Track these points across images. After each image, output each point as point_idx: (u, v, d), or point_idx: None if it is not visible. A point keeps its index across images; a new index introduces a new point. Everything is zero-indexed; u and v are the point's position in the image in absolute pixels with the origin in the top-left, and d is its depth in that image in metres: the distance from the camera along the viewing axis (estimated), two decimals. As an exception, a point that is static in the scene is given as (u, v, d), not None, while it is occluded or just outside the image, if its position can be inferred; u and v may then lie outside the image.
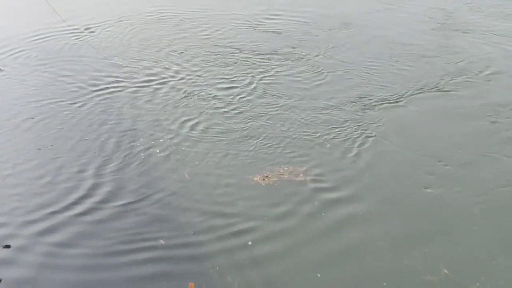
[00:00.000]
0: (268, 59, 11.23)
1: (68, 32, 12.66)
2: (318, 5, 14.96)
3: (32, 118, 8.80)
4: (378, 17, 14.34)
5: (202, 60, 11.22)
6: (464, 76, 10.88)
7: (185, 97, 9.69)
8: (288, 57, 11.42)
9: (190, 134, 8.72)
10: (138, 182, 7.66)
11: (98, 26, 13.18)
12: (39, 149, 8.16)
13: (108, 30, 12.93)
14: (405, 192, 7.59)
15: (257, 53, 11.49)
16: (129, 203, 7.29)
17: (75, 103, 9.44)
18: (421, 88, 10.24)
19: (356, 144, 8.56)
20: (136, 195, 7.42)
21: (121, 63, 11.07)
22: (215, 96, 9.78)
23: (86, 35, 12.59)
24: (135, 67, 10.79)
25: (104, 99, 9.66)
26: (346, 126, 8.97)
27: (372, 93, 10.07)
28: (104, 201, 7.29)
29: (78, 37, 12.44)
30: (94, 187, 7.51)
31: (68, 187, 7.48)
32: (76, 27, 13.00)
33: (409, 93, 10.07)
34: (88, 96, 9.67)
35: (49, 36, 12.44)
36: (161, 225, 6.83)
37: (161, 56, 11.46)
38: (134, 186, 7.57)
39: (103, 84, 10.21)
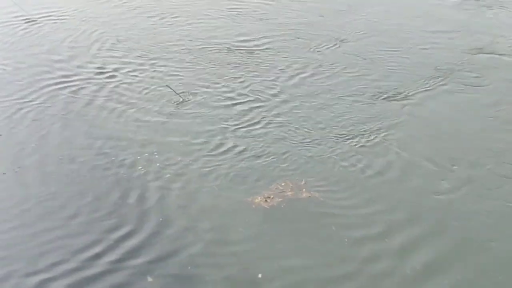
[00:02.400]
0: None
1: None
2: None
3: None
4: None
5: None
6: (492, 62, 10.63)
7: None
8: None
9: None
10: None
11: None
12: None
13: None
14: (415, 199, 7.16)
15: (249, 48, 11.18)
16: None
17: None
18: (437, 79, 9.93)
19: (360, 148, 8.15)
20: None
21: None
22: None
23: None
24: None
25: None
26: (348, 128, 8.56)
27: (379, 87, 9.76)
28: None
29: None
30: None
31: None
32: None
33: (422, 87, 9.75)
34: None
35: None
36: (151, 255, 6.29)
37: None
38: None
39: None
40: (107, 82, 9.78)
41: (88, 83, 9.76)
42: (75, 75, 10.05)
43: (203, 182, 7.33)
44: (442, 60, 10.77)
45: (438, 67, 10.49)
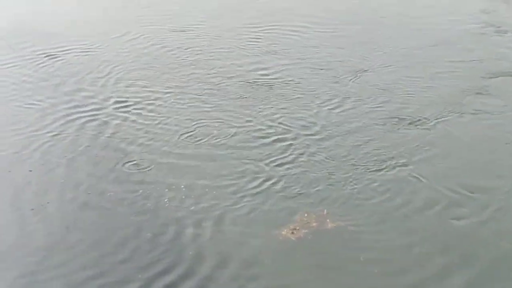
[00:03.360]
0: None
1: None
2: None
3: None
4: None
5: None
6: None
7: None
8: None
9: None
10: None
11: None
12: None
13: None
14: (441, 229, 7.15)
15: (271, 81, 11.07)
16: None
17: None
18: (457, 106, 9.95)
19: (382, 178, 8.16)
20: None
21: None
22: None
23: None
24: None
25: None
26: (371, 157, 8.58)
27: (401, 116, 9.75)
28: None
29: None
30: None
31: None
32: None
33: (442, 114, 9.73)
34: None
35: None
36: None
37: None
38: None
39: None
40: (131, 117, 9.82)
41: (114, 117, 9.81)
42: (99, 109, 10.10)
43: (231, 217, 7.35)
44: (462, 87, 10.76)
45: (459, 94, 10.49)
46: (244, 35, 13.25)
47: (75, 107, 10.14)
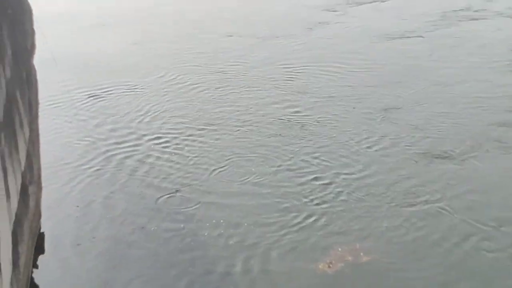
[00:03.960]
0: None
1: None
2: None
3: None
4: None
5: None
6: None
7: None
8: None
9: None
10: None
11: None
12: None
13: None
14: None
15: (305, 119, 11.03)
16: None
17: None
18: (485, 142, 9.96)
19: (412, 211, 8.23)
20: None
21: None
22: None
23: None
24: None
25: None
26: (403, 192, 8.63)
27: (432, 151, 9.77)
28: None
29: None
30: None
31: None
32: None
33: (472, 149, 9.76)
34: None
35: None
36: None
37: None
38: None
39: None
40: (168, 153, 9.94)
41: (152, 153, 9.94)
42: (137, 145, 10.27)
43: (276, 253, 7.44)
44: (490, 122, 10.77)
45: (487, 129, 10.52)
46: (278, 75, 13.30)
47: (114, 143, 10.32)
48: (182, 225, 8.04)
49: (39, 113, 9.56)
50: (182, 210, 8.41)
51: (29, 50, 9.97)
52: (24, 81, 8.53)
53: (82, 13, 17.46)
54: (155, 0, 20.47)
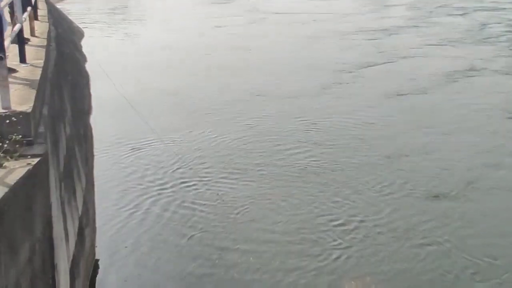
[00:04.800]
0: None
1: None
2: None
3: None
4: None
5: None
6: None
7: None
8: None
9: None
10: None
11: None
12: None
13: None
14: None
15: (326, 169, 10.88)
16: None
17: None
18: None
19: (418, 250, 8.25)
20: None
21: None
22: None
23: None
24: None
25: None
26: (409, 231, 8.65)
27: (434, 191, 9.82)
28: None
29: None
30: None
31: None
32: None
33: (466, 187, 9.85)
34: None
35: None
36: None
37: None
38: None
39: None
40: (200, 200, 9.87)
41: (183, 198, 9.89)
42: (168, 193, 10.22)
43: None
44: (482, 165, 10.85)
45: (477, 169, 10.59)
46: (294, 127, 13.43)
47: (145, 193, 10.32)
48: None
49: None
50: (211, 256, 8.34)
51: (86, 111, 10.16)
52: (82, 137, 8.67)
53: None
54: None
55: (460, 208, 9.45)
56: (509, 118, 14.17)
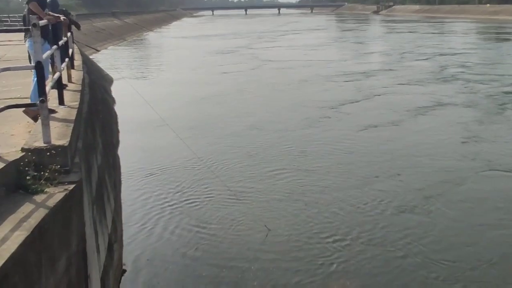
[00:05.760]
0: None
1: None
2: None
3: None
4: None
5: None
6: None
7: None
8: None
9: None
10: None
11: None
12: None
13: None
14: None
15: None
16: None
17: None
18: None
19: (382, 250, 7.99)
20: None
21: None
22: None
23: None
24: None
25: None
26: None
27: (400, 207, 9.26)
28: None
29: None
30: None
31: None
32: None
33: None
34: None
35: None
36: None
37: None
38: None
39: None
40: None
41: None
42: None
43: None
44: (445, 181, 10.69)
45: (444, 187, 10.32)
46: (284, 154, 13.18)
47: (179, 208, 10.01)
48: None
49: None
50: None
51: (115, 144, 10.18)
52: (111, 166, 8.66)
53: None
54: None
55: (422, 219, 9.30)
56: (466, 142, 14.20)
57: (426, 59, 34.56)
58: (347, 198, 10.22)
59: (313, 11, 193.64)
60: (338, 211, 9.65)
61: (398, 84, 24.28)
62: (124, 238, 8.61)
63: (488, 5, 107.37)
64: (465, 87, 23.07)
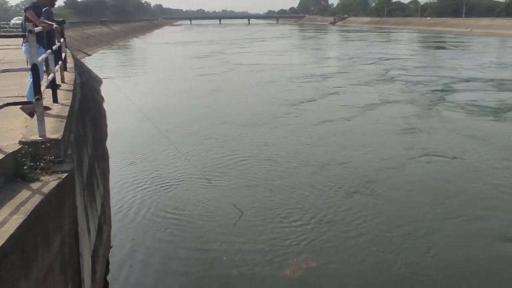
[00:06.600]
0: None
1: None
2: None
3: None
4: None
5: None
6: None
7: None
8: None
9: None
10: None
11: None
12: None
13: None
14: None
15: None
16: None
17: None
18: None
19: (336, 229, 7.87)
20: None
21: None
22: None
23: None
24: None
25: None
26: None
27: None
28: None
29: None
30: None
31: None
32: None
33: None
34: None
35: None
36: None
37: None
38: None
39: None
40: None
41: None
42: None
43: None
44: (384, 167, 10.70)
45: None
46: (248, 145, 13.06)
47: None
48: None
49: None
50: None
51: (104, 137, 10.01)
52: (100, 157, 8.52)
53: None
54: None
55: (369, 199, 9.34)
56: (405, 133, 14.39)
57: (374, 63, 35.02)
58: (305, 183, 10.22)
59: (279, 21, 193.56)
60: (298, 195, 9.62)
61: (350, 84, 24.55)
62: (112, 219, 8.46)
63: (428, 18, 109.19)
64: (406, 87, 23.50)
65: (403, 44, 57.48)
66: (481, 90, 22.42)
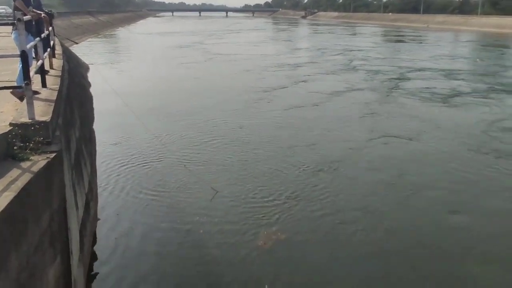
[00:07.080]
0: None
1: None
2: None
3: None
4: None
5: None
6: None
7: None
8: None
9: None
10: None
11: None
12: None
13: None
14: None
15: None
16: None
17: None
18: None
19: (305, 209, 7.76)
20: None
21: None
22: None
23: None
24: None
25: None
26: None
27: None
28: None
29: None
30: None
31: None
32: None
33: None
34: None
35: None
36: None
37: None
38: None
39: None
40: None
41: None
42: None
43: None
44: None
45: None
46: (225, 128, 12.99)
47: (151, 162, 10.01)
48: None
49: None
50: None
51: (90, 120, 9.84)
52: (87, 139, 8.38)
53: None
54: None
55: (334, 177, 9.47)
56: (367, 117, 14.56)
57: (340, 54, 35.17)
58: (275, 163, 10.25)
59: (254, 14, 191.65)
60: (269, 174, 9.66)
61: (318, 73, 24.64)
62: (98, 196, 8.36)
63: (390, 14, 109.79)
64: (368, 76, 23.75)
65: (366, 37, 57.81)
66: (433, 79, 22.83)
